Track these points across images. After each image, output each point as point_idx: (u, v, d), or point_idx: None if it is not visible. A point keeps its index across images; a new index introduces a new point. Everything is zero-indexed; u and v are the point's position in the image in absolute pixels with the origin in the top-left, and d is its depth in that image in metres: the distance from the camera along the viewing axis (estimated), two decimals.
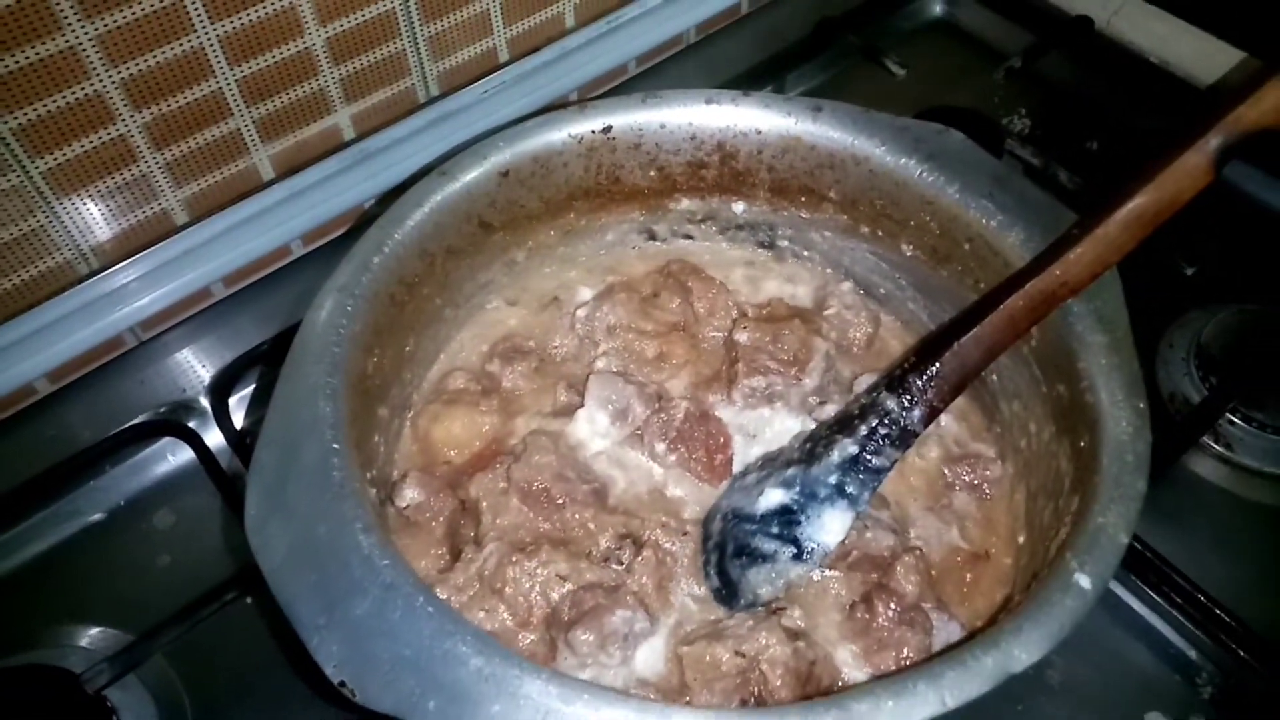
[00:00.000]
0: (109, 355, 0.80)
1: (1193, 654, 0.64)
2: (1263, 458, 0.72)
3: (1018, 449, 0.60)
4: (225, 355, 0.79)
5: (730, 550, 0.55)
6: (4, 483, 0.72)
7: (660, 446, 0.60)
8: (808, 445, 0.57)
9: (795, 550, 0.54)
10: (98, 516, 0.73)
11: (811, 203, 0.66)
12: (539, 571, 0.52)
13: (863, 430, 0.54)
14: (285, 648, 0.65)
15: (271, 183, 0.83)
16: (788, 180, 0.66)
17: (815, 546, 0.53)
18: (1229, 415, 0.73)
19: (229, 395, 0.76)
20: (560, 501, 0.55)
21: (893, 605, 0.53)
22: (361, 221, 0.89)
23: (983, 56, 1.01)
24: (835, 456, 0.54)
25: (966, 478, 0.60)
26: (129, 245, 0.78)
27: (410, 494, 0.55)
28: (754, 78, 0.96)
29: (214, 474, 0.72)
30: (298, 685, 0.64)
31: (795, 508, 0.54)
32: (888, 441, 0.54)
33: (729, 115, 0.64)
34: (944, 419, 0.62)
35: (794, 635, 0.52)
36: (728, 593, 0.55)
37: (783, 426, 0.62)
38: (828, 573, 0.55)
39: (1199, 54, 0.94)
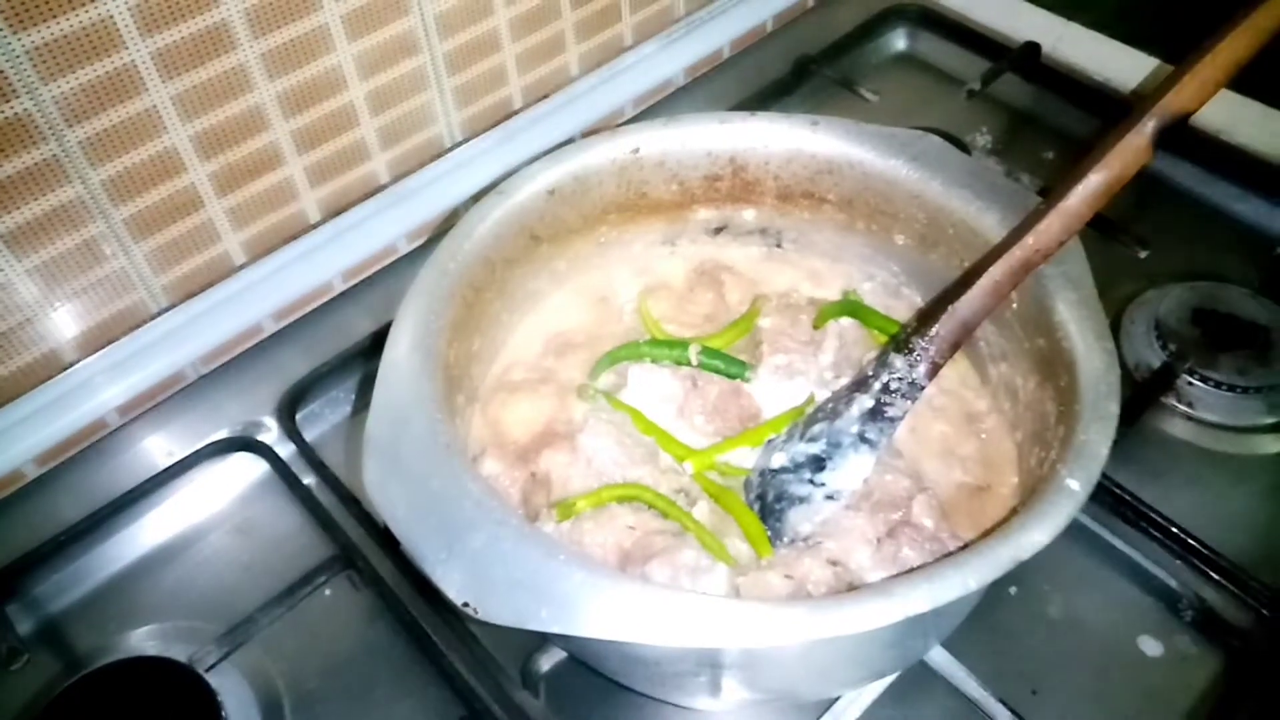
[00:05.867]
0: (176, 387, 0.87)
1: (1173, 583, 0.71)
2: (1220, 412, 0.81)
3: (1008, 403, 0.69)
4: (278, 383, 0.86)
5: (771, 497, 0.63)
6: (94, 499, 0.78)
7: (700, 419, 0.68)
8: (829, 405, 0.66)
9: (827, 491, 0.62)
10: (182, 527, 0.80)
11: (813, 205, 0.76)
12: (609, 523, 0.60)
13: (877, 386, 0.63)
14: (378, 629, 0.72)
15: (318, 224, 0.92)
16: (791, 187, 0.75)
17: (844, 486, 0.62)
18: (1188, 377, 0.82)
19: (295, 412, 0.83)
20: (621, 462, 0.63)
21: (914, 536, 0.61)
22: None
23: (944, 83, 1.12)
24: (855, 410, 0.63)
25: (966, 431, 0.69)
26: (194, 285, 0.86)
27: (489, 465, 0.63)
28: (740, 111, 1.06)
29: (288, 481, 0.79)
30: (382, 671, 0.71)
31: (824, 456, 0.63)
32: (899, 394, 0.63)
33: (739, 132, 0.73)
34: (945, 380, 0.71)
35: (833, 563, 0.60)
36: (772, 533, 0.63)
37: (804, 398, 0.71)
38: (855, 514, 0.63)
39: (1132, 69, 1.05)
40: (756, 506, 0.64)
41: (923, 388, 0.63)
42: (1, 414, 0.78)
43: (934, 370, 0.62)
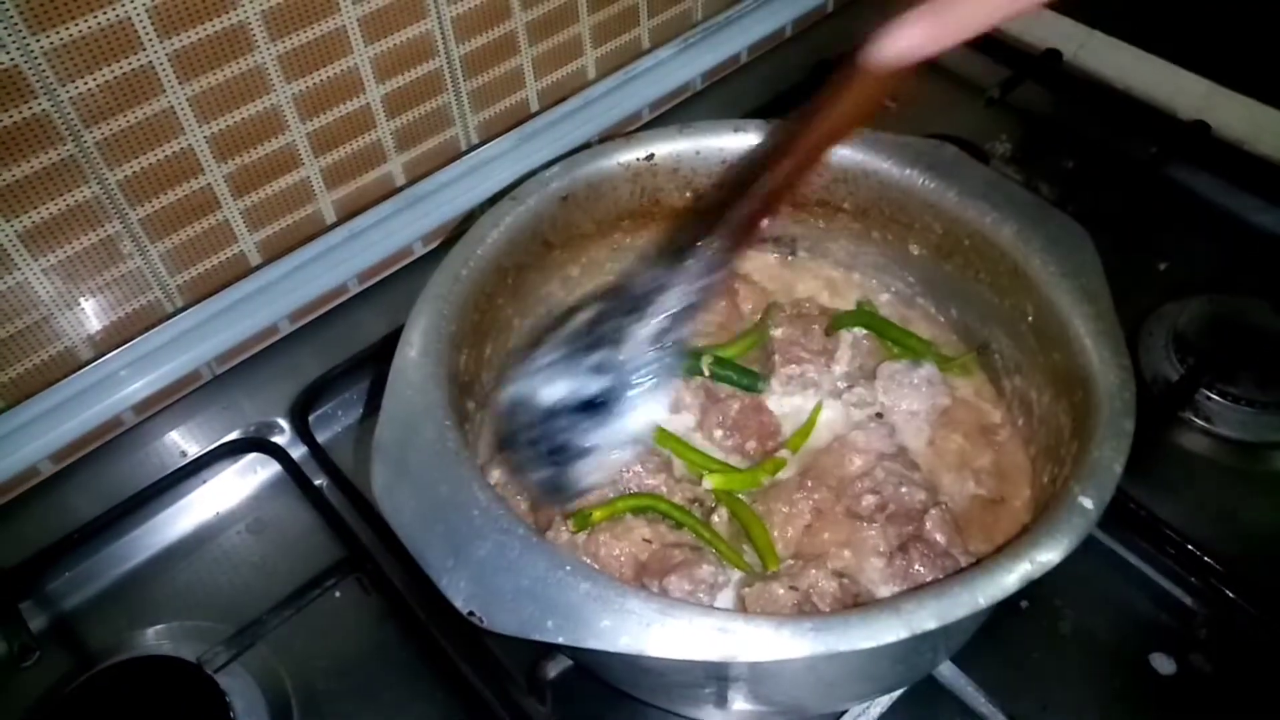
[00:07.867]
0: (191, 387, 0.88)
1: (1188, 600, 0.71)
2: (1239, 428, 0.80)
3: (1022, 417, 0.69)
4: (293, 383, 0.87)
5: (546, 449, 0.55)
6: (108, 497, 0.79)
7: (719, 433, 0.68)
8: (606, 327, 0.56)
9: (621, 433, 0.55)
10: (194, 525, 0.80)
11: (828, 214, 0.75)
12: (625, 535, 0.60)
13: (661, 305, 0.55)
14: (386, 632, 0.72)
15: (334, 226, 0.92)
16: (806, 195, 0.75)
17: (640, 425, 0.55)
18: (1206, 392, 0.81)
19: (308, 414, 0.83)
20: (635, 472, 0.63)
21: (926, 552, 0.61)
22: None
23: (964, 89, 1.10)
24: (641, 334, 0.55)
25: (982, 443, 0.68)
26: (210, 285, 0.86)
27: (497, 474, 0.63)
28: (758, 116, 1.05)
29: (300, 482, 0.79)
30: (390, 674, 0.71)
31: (613, 391, 0.55)
32: (686, 315, 0.56)
33: (754, 141, 0.73)
34: (961, 391, 0.71)
35: (839, 575, 0.59)
36: (554, 491, 0.57)
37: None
38: (868, 526, 0.63)
39: (1157, 78, 1.04)
40: (534, 462, 0.56)
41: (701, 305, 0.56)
42: (17, 411, 0.78)
43: (718, 280, 0.56)
